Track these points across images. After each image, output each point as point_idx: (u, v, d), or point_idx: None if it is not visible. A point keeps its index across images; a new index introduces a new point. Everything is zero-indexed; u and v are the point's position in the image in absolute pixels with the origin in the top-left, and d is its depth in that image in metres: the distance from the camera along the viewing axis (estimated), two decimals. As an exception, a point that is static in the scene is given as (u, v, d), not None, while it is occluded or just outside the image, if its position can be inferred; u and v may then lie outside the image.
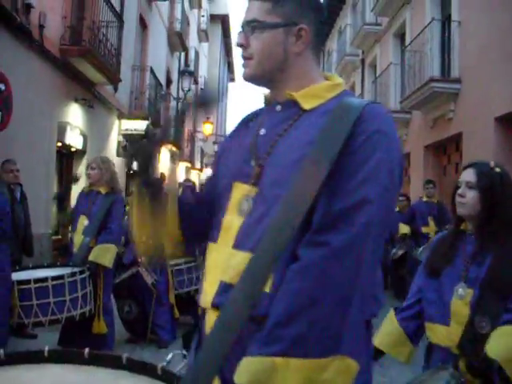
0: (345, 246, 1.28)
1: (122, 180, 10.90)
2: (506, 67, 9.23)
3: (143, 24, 16.79)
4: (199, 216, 1.66)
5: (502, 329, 2.06)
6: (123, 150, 14.18)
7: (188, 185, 8.81)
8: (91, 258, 4.92)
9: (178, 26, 21.08)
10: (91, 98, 11.56)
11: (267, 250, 1.28)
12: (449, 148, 12.65)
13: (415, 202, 9.94)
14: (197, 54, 28.27)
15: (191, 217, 1.66)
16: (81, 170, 11.64)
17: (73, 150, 11.35)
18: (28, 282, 4.31)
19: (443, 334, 2.24)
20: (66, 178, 11.53)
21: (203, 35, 31.18)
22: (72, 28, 10.02)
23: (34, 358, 1.45)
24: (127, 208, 7.23)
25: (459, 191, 2.34)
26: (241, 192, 1.49)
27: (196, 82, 27.24)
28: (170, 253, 1.75)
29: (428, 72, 11.92)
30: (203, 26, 30.63)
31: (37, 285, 4.31)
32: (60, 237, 10.88)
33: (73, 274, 4.53)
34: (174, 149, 21.55)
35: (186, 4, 24.16)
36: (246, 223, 1.45)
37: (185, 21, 22.61)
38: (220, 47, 38.15)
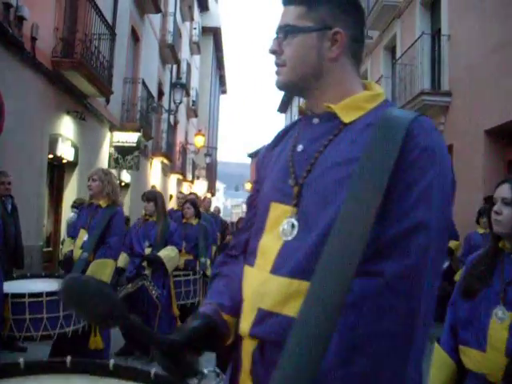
0: (400, 276, 1.17)
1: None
2: (496, 80, 9.33)
3: (135, 36, 16.84)
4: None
5: None
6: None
7: (189, 198, 8.78)
8: (89, 273, 4.80)
9: (170, 39, 21.15)
10: (83, 110, 11.55)
11: (333, 277, 1.14)
12: (439, 160, 12.70)
13: None
14: (189, 66, 28.34)
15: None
16: (73, 185, 11.64)
17: (64, 161, 11.32)
18: (23, 295, 4.25)
19: (478, 360, 2.10)
20: (57, 190, 11.49)
21: (195, 48, 31.30)
22: (64, 40, 10.02)
23: (56, 367, 1.39)
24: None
25: (495, 208, 2.20)
26: (279, 213, 1.38)
27: (188, 94, 27.30)
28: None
29: (419, 85, 12.03)
30: (195, 39, 30.76)
31: (31, 299, 4.23)
32: (51, 249, 10.84)
33: None
34: (165, 161, 21.56)
35: (178, 17, 24.26)
36: (284, 246, 1.34)
37: (177, 33, 22.68)
38: (212, 59, 38.30)
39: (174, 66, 24.34)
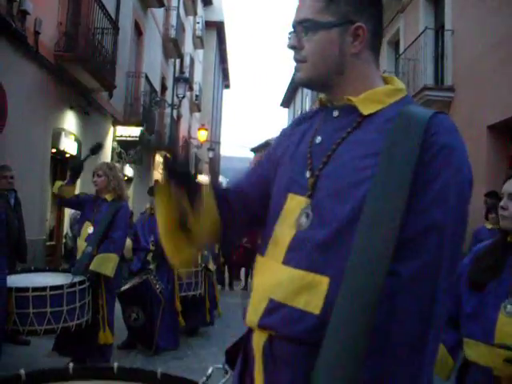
0: (416, 276, 1.17)
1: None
2: (499, 76, 9.31)
3: (138, 30, 16.83)
4: (237, 205, 1.55)
5: None
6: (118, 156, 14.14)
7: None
8: (92, 267, 4.85)
9: (173, 33, 21.12)
10: (86, 105, 11.57)
11: (367, 276, 1.15)
12: (442, 156, 12.70)
13: None
14: (192, 60, 28.31)
15: (230, 207, 1.54)
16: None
17: (67, 155, 11.34)
18: (26, 289, 4.29)
19: (484, 353, 2.08)
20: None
21: (198, 42, 31.23)
22: (67, 34, 10.02)
23: (60, 375, 1.37)
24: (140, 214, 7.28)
25: (501, 203, 2.19)
26: (294, 204, 1.37)
27: (191, 89, 27.28)
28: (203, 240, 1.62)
29: (422, 80, 12.00)
30: (198, 33, 30.68)
31: (35, 293, 4.28)
32: (54, 243, 10.87)
33: (72, 285, 4.48)
34: (168, 156, 21.54)
35: (182, 11, 24.21)
36: (297, 237, 1.33)
37: (180, 27, 22.64)
38: (215, 54, 38.23)
39: (177, 61, 24.30)
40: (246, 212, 1.57)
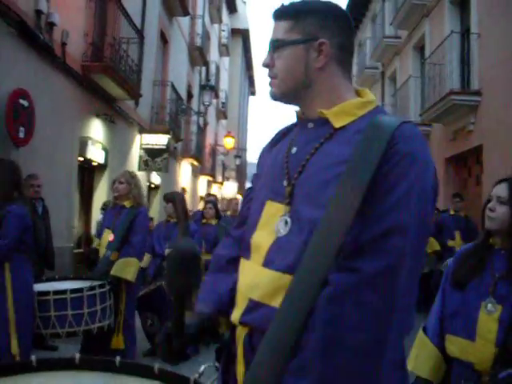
0: (377, 274, 1.24)
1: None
2: (526, 79, 9.18)
3: (164, 39, 17.00)
4: None
5: None
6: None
7: (210, 199, 8.93)
8: (113, 272, 4.92)
9: (198, 41, 21.31)
10: (112, 113, 11.74)
11: (310, 272, 1.26)
12: (469, 160, 12.56)
13: (442, 216, 9.57)
14: (217, 68, 28.49)
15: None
16: (102, 187, 11.81)
17: (94, 164, 11.51)
18: (47, 293, 4.39)
19: (466, 349, 2.17)
20: (88, 192, 11.69)
21: (224, 50, 31.44)
22: (94, 45, 10.19)
23: (65, 365, 1.46)
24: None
25: (490, 205, 2.28)
26: (273, 211, 1.47)
27: (217, 96, 27.44)
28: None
29: (448, 84, 11.89)
30: (224, 41, 30.89)
31: (56, 296, 4.38)
32: (82, 250, 11.02)
33: (92, 288, 4.57)
34: (194, 163, 21.71)
35: (207, 19, 24.41)
36: (276, 242, 1.43)
37: (205, 35, 22.82)
38: (241, 61, 38.42)
39: (203, 68, 24.49)
40: None
